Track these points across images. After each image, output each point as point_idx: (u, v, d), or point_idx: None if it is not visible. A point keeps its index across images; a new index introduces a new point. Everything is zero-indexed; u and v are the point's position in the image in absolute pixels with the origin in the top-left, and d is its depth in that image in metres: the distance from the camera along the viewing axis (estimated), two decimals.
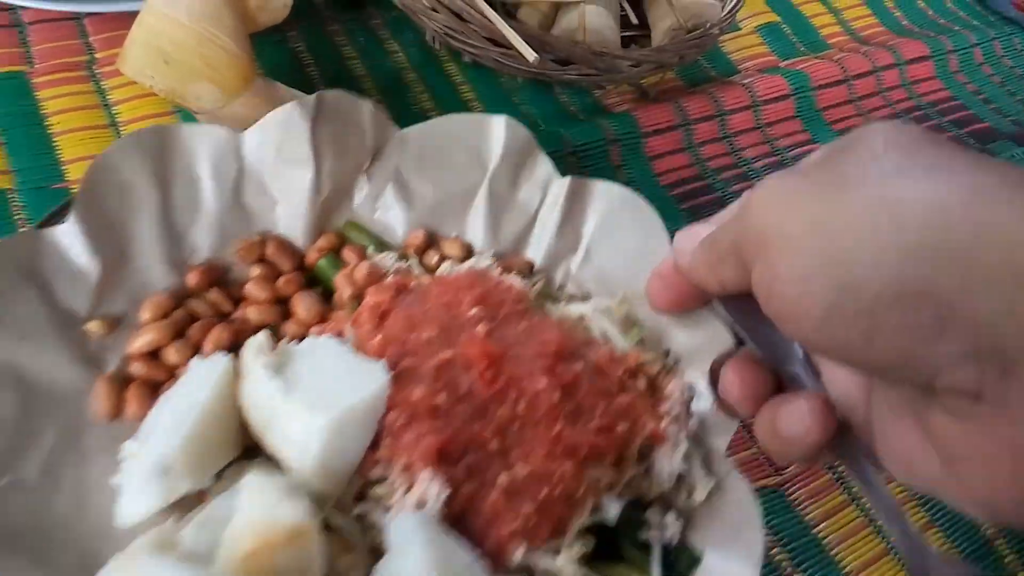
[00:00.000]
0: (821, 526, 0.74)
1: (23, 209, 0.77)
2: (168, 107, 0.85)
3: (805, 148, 1.03)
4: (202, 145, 0.66)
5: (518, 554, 0.52)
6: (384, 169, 0.70)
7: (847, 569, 0.72)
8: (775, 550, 0.72)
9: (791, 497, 0.75)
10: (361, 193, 0.70)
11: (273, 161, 0.67)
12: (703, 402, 0.60)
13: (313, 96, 0.66)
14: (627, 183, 0.71)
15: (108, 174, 0.63)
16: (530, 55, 0.83)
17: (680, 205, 0.93)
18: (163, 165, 0.65)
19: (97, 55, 0.88)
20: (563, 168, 0.70)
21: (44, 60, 0.87)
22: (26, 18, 0.89)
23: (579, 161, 0.91)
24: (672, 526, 0.58)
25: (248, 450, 0.58)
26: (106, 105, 0.85)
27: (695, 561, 0.57)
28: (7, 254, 0.60)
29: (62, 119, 0.83)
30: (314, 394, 0.54)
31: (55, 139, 0.82)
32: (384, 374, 0.55)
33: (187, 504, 0.55)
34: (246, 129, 0.67)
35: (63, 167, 0.80)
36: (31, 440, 0.57)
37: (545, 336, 0.58)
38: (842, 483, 0.76)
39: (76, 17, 0.90)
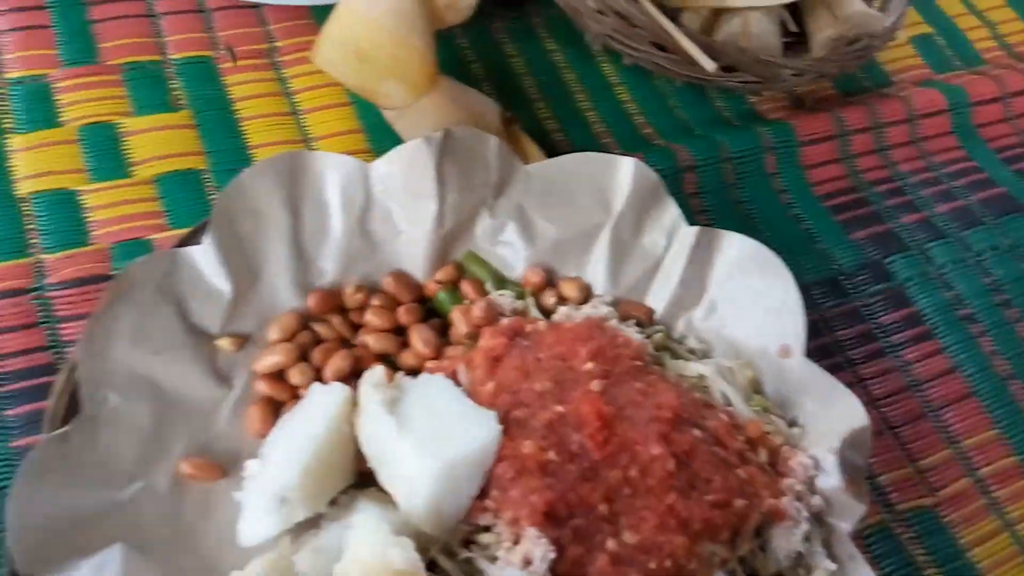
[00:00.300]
0: (975, 551, 0.72)
1: (216, 190, 0.81)
2: (345, 97, 0.88)
3: (960, 166, 0.99)
4: (332, 173, 0.68)
5: None
6: (507, 205, 0.70)
7: None
8: (929, 571, 0.71)
9: (945, 519, 0.73)
10: (483, 227, 0.70)
11: (399, 192, 0.68)
12: (829, 480, 0.57)
13: (441, 132, 0.67)
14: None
15: (242, 198, 0.66)
16: (709, 65, 0.82)
17: (835, 216, 0.91)
18: (294, 191, 0.67)
19: (278, 43, 0.91)
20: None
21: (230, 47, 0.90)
22: (210, 3, 0.93)
23: (734, 168, 0.89)
24: None
25: (362, 475, 0.60)
26: (288, 93, 0.88)
27: None
28: (147, 272, 0.63)
29: (249, 105, 0.87)
30: (426, 437, 0.55)
31: (243, 124, 0.85)
32: (496, 425, 0.55)
33: (303, 525, 0.57)
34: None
35: (251, 151, 0.84)
36: (163, 450, 0.60)
37: (662, 399, 0.57)
38: (996, 508, 0.74)
39: (256, 5, 0.93)
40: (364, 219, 0.69)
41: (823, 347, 0.76)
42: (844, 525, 0.56)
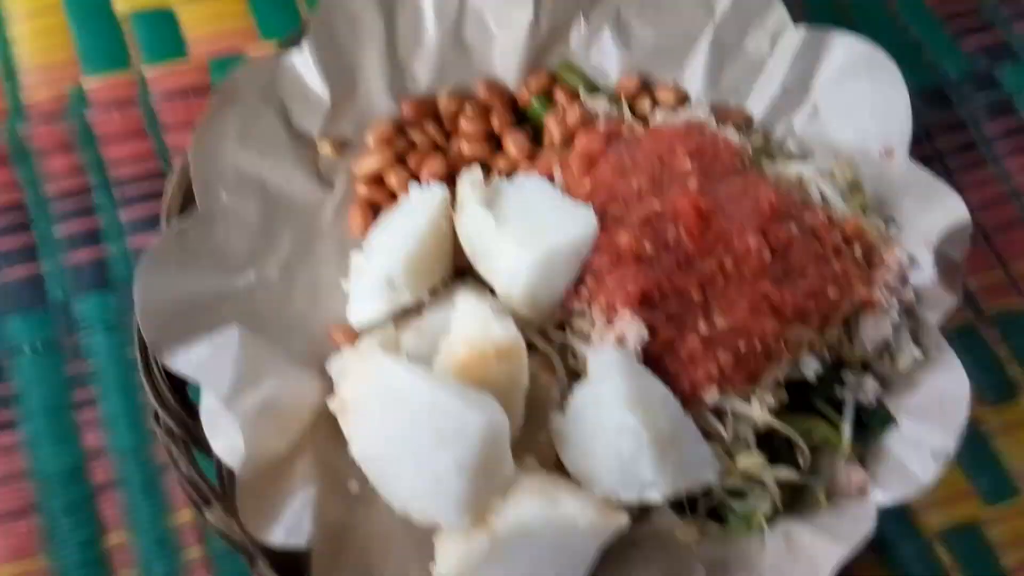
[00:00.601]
0: None
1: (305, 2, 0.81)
2: None
3: None
4: None
5: (712, 395, 0.54)
6: (604, 9, 0.69)
7: None
8: (1012, 366, 0.74)
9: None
10: (578, 33, 0.69)
11: None
12: (923, 274, 0.58)
13: None
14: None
15: (339, 6, 0.66)
16: None
17: (945, 24, 0.88)
18: None
19: None
20: None
21: None
22: None
23: None
24: (870, 389, 0.58)
25: (459, 271, 0.63)
26: None
27: (889, 422, 0.57)
28: (251, 79, 0.65)
29: None
30: (524, 230, 0.57)
31: None
32: (592, 218, 0.57)
33: (405, 316, 0.60)
34: None
35: None
36: (272, 244, 0.63)
37: (759, 195, 0.57)
38: None
39: None
40: (458, 26, 0.69)
41: (922, 157, 0.75)
42: (934, 316, 0.57)
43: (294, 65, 0.66)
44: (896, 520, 0.67)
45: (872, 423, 0.58)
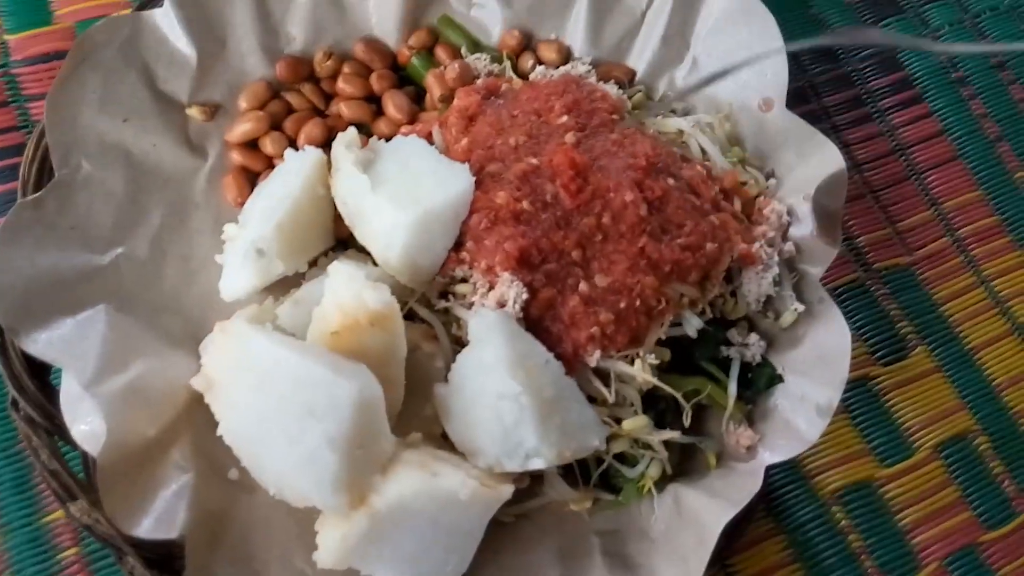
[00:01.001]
0: (948, 305, 0.76)
1: None
2: None
3: None
4: None
5: (594, 357, 0.53)
6: None
7: (971, 345, 0.74)
8: (901, 323, 0.74)
9: (921, 276, 0.76)
10: None
11: None
12: (802, 227, 0.57)
13: None
14: None
15: None
16: None
17: None
18: None
19: None
20: None
21: None
22: None
23: None
24: (755, 346, 0.58)
25: (343, 243, 0.60)
26: None
27: (775, 380, 0.57)
28: (108, 35, 0.60)
29: None
30: (400, 192, 0.55)
31: None
32: (469, 177, 0.55)
33: (286, 288, 0.58)
34: None
35: None
36: (140, 217, 0.60)
37: (636, 149, 0.56)
38: (972, 266, 0.77)
39: None
40: None
41: (810, 113, 0.76)
42: (816, 270, 0.57)
43: (157, 24, 0.62)
44: (793, 484, 0.67)
45: (758, 381, 0.58)
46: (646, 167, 0.55)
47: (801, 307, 0.57)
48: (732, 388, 0.57)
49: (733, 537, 0.52)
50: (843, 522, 0.67)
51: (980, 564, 0.67)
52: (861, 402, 0.71)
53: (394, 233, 0.54)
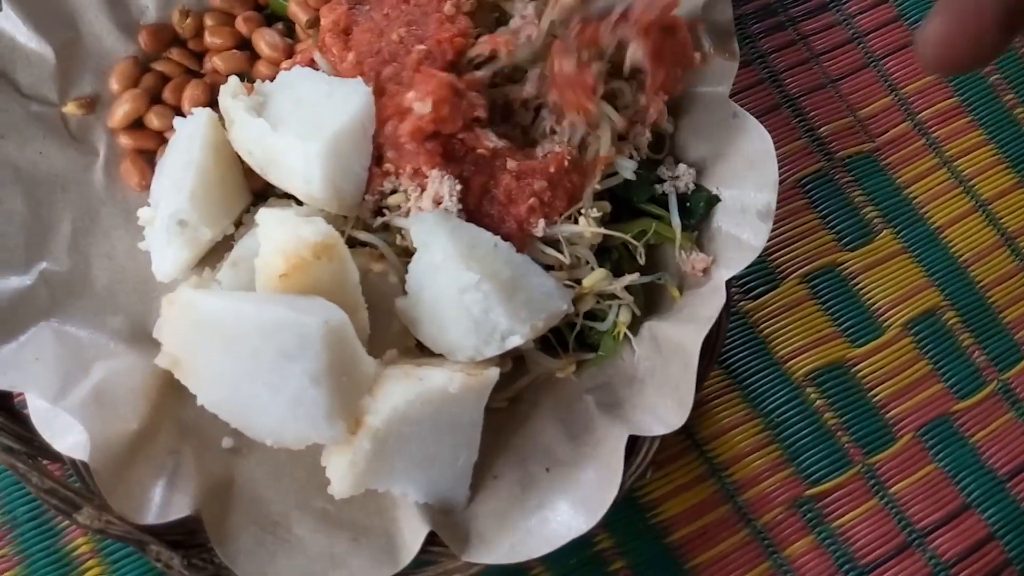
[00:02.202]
0: (912, 187, 0.77)
1: None
2: None
3: None
4: None
5: (539, 227, 0.54)
6: None
7: (936, 225, 0.76)
8: (867, 208, 0.75)
9: (884, 161, 0.77)
10: None
11: None
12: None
13: None
14: None
15: None
16: None
17: None
18: None
19: None
20: None
21: None
22: None
23: None
24: (685, 175, 0.59)
25: (262, 197, 0.59)
26: None
27: (713, 201, 0.59)
28: None
29: None
30: (302, 124, 0.54)
31: None
32: (364, 88, 0.54)
33: (218, 256, 0.57)
34: None
35: None
36: (51, 228, 0.58)
37: None
38: (934, 148, 0.78)
39: None
40: None
41: (765, 6, 0.75)
42: (721, 88, 0.59)
43: (2, 30, 0.59)
44: (766, 369, 0.69)
45: (697, 206, 0.60)
46: None
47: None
48: (675, 220, 0.59)
49: (711, 356, 0.55)
50: (818, 402, 0.69)
51: (953, 432, 0.70)
52: (830, 287, 0.73)
53: (309, 166, 0.53)
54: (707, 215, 0.59)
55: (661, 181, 0.60)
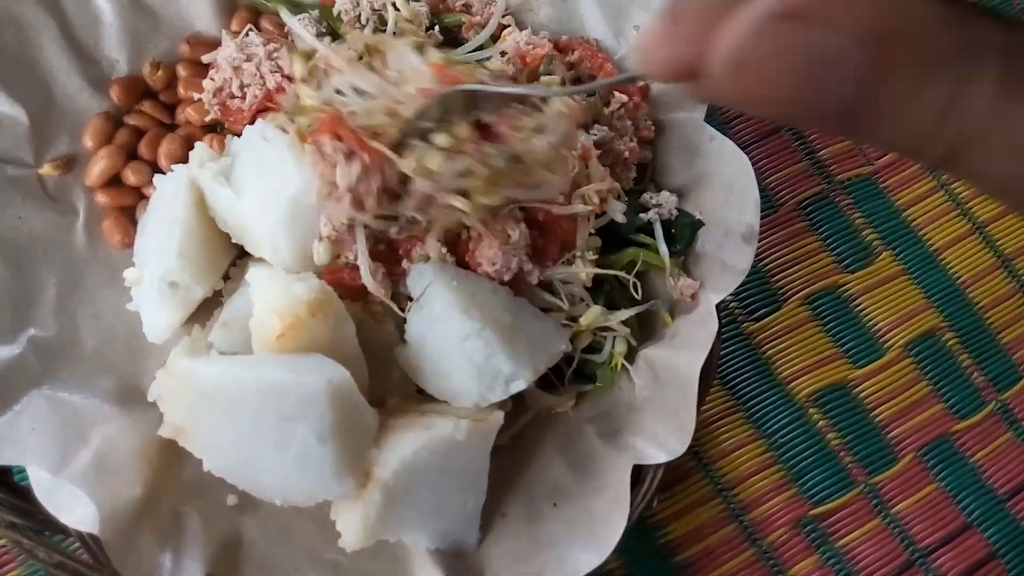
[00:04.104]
0: (910, 210, 0.78)
1: None
2: None
3: None
4: None
5: (534, 275, 0.54)
6: None
7: (934, 247, 0.77)
8: (866, 231, 0.76)
9: (883, 184, 0.79)
10: None
11: None
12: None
13: None
14: None
15: None
16: None
17: None
18: None
19: None
20: None
21: None
22: None
23: None
24: (668, 201, 0.60)
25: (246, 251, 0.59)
26: None
27: (697, 226, 0.60)
28: None
29: None
30: (262, 191, 0.53)
31: None
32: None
33: (207, 311, 0.57)
34: None
35: None
36: (35, 293, 0.57)
37: None
38: (932, 171, 0.78)
39: None
40: None
41: None
42: (696, 114, 0.60)
43: None
44: (769, 391, 0.70)
45: (682, 232, 0.60)
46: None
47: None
48: (663, 248, 0.59)
49: (707, 381, 0.55)
50: (820, 422, 0.70)
51: (954, 452, 0.71)
52: (831, 309, 0.74)
53: (273, 235, 0.53)
54: (692, 240, 0.60)
55: (645, 209, 0.60)
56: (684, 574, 0.65)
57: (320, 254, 0.53)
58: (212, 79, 0.59)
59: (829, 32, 0.25)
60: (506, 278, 0.53)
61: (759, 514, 0.67)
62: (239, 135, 0.57)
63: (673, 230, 0.60)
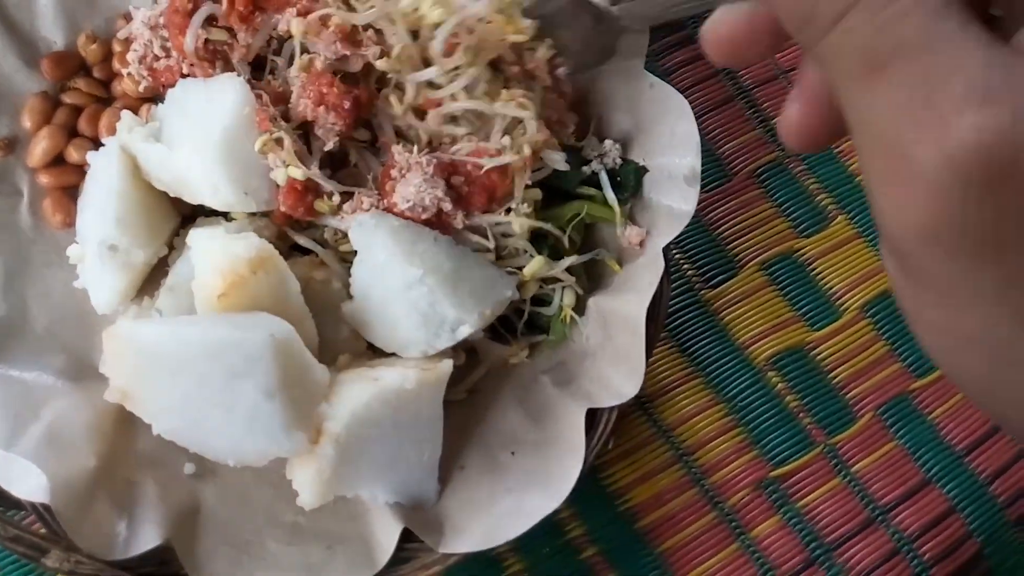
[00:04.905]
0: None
1: None
2: None
3: None
4: None
5: (458, 219, 0.54)
6: None
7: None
8: (821, 196, 0.76)
9: (837, 150, 0.78)
10: None
11: None
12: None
13: None
14: None
15: None
16: None
17: None
18: None
19: None
20: None
21: None
22: None
23: None
24: (612, 151, 0.60)
25: (192, 220, 0.58)
26: None
27: (641, 172, 0.60)
28: None
29: None
30: (192, 136, 0.53)
31: None
32: (235, 81, 0.54)
33: (155, 284, 0.56)
34: None
35: None
36: None
37: None
38: None
39: None
40: None
41: None
42: (635, 61, 0.60)
43: None
44: (727, 356, 0.70)
45: (627, 180, 0.60)
46: None
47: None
48: (611, 196, 0.59)
49: (657, 321, 0.56)
50: (779, 385, 0.70)
51: (912, 409, 0.71)
52: (787, 273, 0.74)
53: (211, 176, 0.53)
54: (638, 188, 0.60)
55: (588, 161, 0.60)
56: (647, 539, 0.65)
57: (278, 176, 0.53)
58: (135, 49, 0.58)
59: None
60: (423, 216, 0.53)
61: (720, 477, 0.67)
62: None
63: (619, 179, 0.60)
